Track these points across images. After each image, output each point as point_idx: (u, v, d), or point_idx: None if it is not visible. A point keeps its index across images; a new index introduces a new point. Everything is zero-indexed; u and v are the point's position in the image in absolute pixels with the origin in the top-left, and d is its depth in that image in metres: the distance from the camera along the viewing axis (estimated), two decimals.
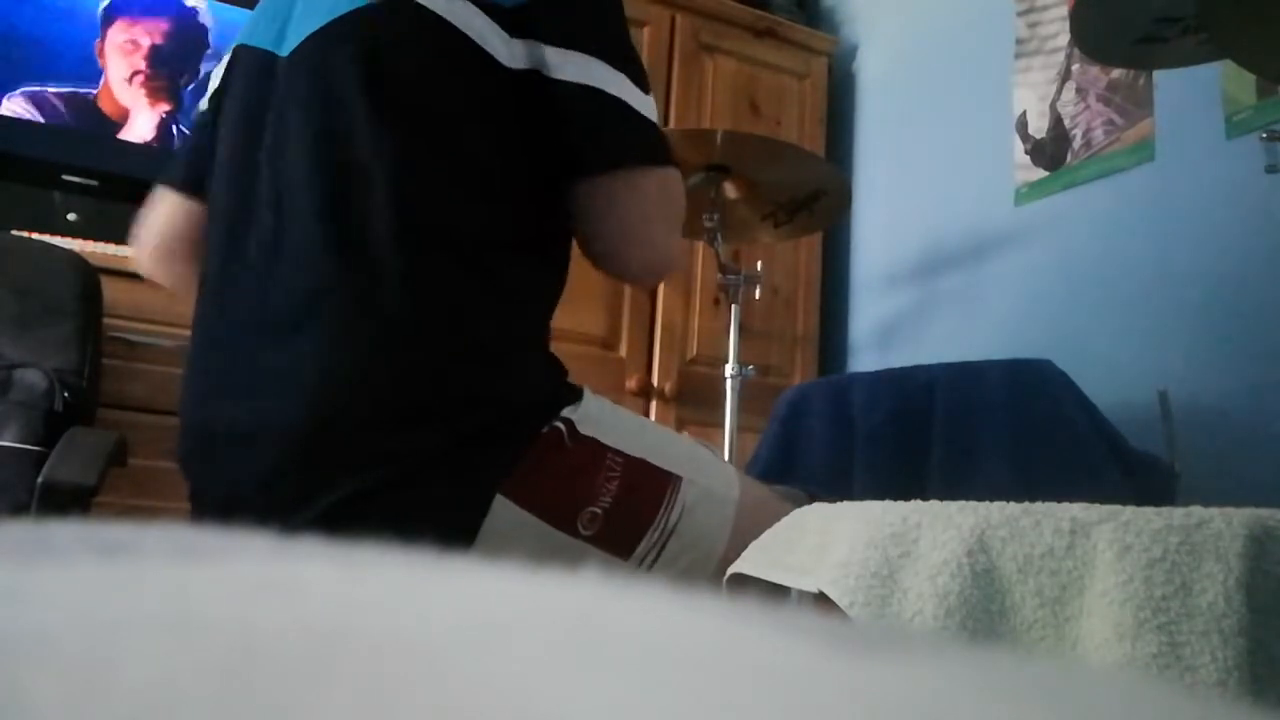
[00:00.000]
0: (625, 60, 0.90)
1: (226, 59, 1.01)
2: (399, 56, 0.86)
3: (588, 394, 0.91)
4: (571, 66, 0.87)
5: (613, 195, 0.90)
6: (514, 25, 0.87)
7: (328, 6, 0.90)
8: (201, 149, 1.03)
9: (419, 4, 0.86)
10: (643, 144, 0.91)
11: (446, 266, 0.84)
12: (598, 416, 0.90)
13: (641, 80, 0.91)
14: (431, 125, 0.86)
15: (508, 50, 0.87)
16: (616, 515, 0.86)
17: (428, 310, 0.83)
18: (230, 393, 0.86)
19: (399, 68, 0.86)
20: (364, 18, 0.87)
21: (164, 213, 1.05)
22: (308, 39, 0.90)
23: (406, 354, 0.82)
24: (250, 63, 0.96)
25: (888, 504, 0.60)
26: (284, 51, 0.93)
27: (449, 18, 0.85)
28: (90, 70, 2.04)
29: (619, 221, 0.91)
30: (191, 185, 1.03)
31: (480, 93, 0.87)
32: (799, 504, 0.78)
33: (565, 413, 0.88)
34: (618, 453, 0.88)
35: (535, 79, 0.87)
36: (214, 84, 1.03)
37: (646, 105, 0.90)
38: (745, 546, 0.72)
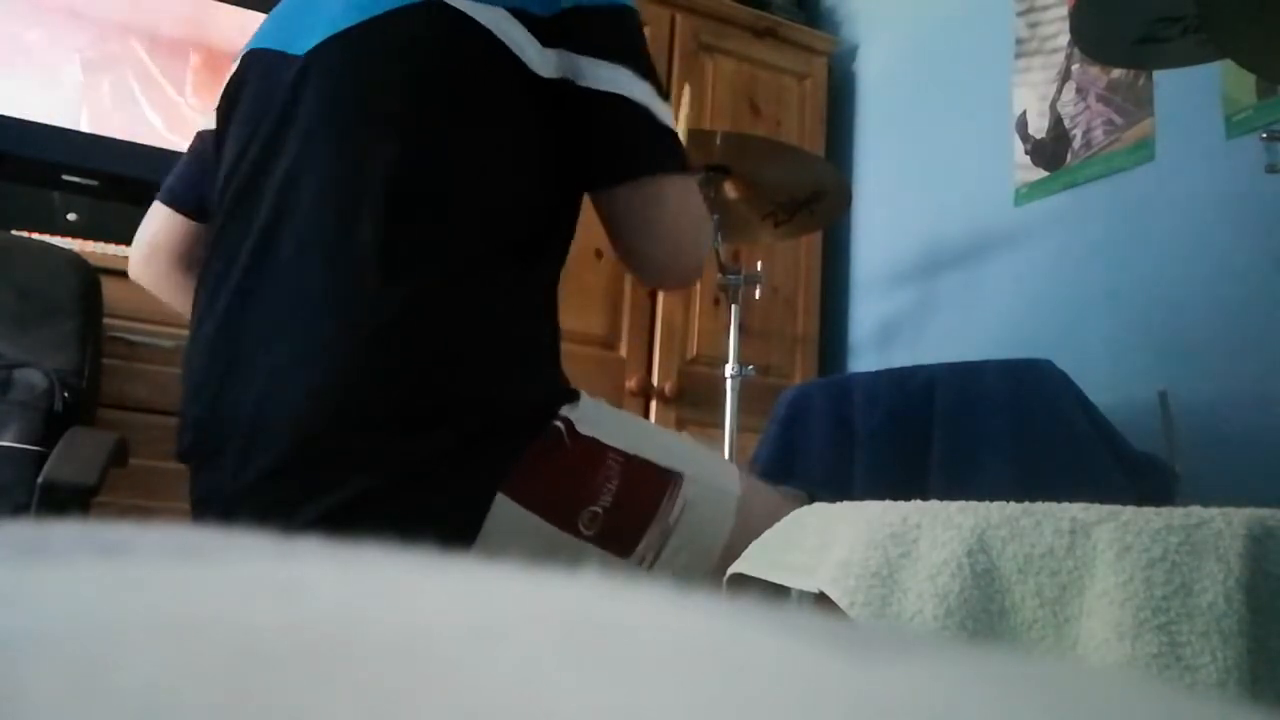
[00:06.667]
0: (649, 71, 0.92)
1: (237, 65, 1.02)
2: (437, 60, 0.88)
3: (585, 395, 0.92)
4: (604, 75, 0.89)
5: (641, 200, 0.92)
6: (548, 34, 0.89)
7: (355, 8, 0.90)
8: (195, 163, 1.08)
9: (456, 9, 0.87)
10: (671, 152, 0.93)
11: (450, 270, 0.84)
12: (596, 416, 0.90)
13: (663, 92, 0.94)
14: (458, 129, 0.87)
15: (541, 59, 0.88)
16: (617, 514, 0.86)
17: (429, 313, 0.83)
18: (232, 391, 0.86)
19: (436, 72, 0.87)
20: (399, 20, 0.88)
21: (153, 226, 1.11)
22: (331, 39, 0.91)
23: (407, 355, 0.82)
24: (264, 64, 0.97)
25: (888, 504, 0.60)
26: (299, 51, 0.93)
27: (486, 24, 0.87)
28: None
29: (647, 225, 0.93)
30: (178, 201, 1.09)
31: (507, 98, 0.89)
32: (799, 504, 0.78)
33: (564, 412, 0.88)
34: (618, 451, 0.88)
35: (565, 87, 0.89)
36: (222, 88, 1.03)
37: (668, 115, 0.93)
38: (746, 542, 0.72)
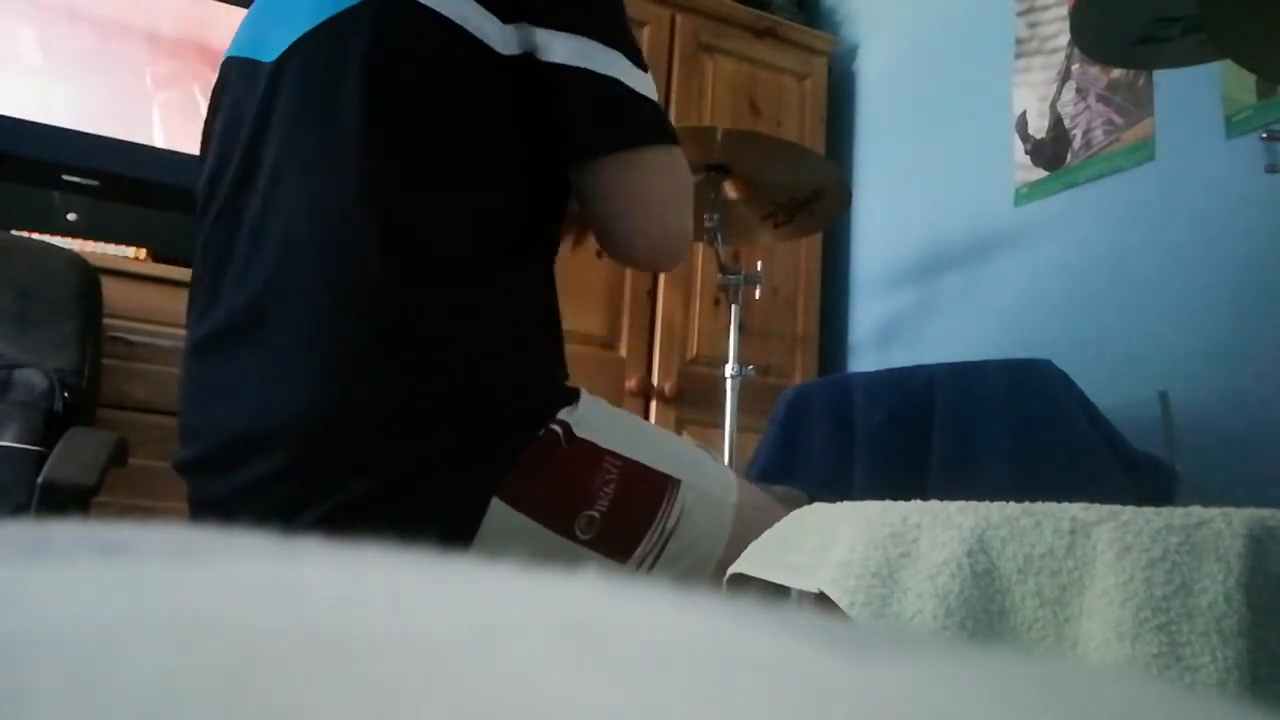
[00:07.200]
0: (619, 38, 0.88)
1: (219, 74, 1.01)
2: (397, 55, 0.86)
3: (584, 396, 0.91)
4: (562, 47, 0.85)
5: (613, 177, 0.89)
6: (507, 11, 0.86)
7: (315, 8, 0.89)
8: None
9: (412, 0, 0.85)
10: (640, 123, 0.89)
11: (441, 269, 0.84)
12: (595, 419, 0.89)
13: (637, 57, 0.89)
14: (430, 124, 0.86)
15: (502, 37, 0.85)
16: (614, 518, 0.86)
17: (423, 314, 0.83)
18: (230, 398, 0.86)
19: (398, 66, 0.86)
20: (357, 17, 0.87)
21: None
22: (297, 42, 0.89)
23: (401, 358, 0.82)
24: (238, 73, 0.96)
25: (888, 504, 0.60)
26: (269, 58, 0.92)
27: (444, 11, 0.85)
28: None
29: (621, 203, 0.90)
30: None
31: (479, 86, 0.86)
32: (799, 504, 0.78)
33: (562, 415, 0.87)
34: (615, 455, 0.88)
35: (528, 63, 0.86)
36: (209, 98, 1.03)
37: (643, 83, 0.89)
38: (743, 550, 0.71)
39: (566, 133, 0.88)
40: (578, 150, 0.89)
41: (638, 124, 0.89)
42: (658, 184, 0.91)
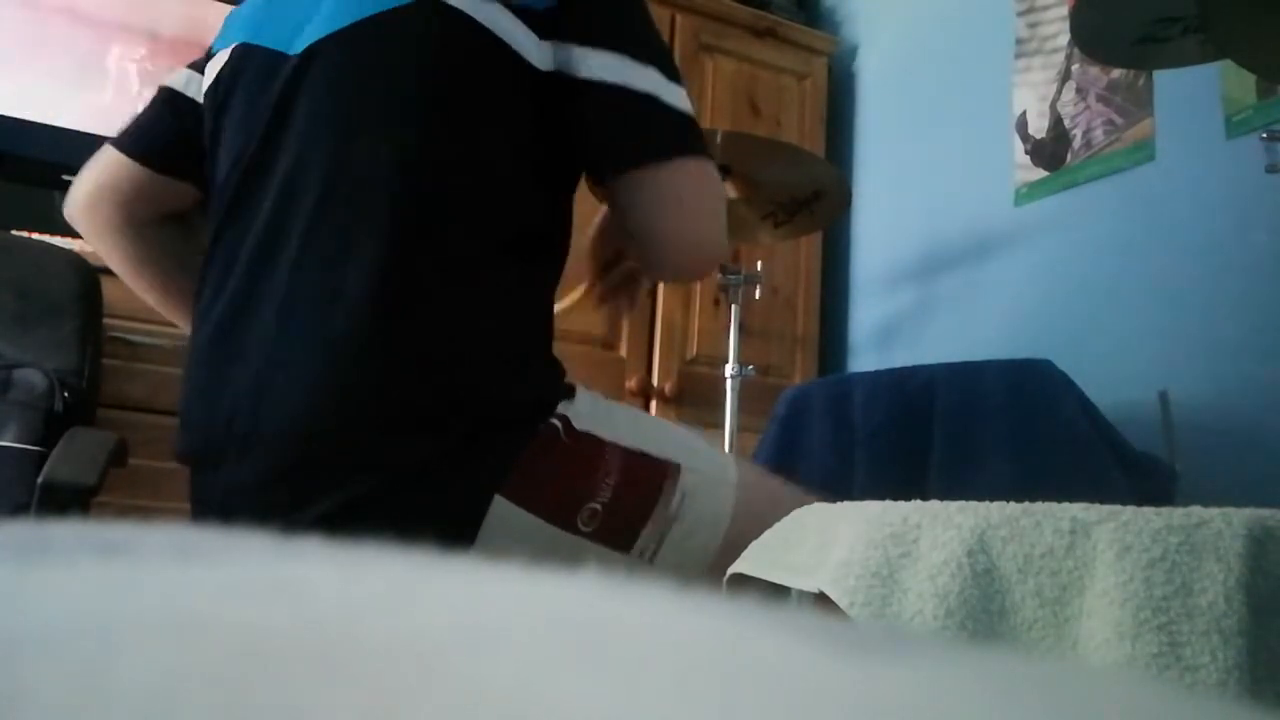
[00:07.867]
0: (653, 54, 0.90)
1: (227, 56, 1.00)
2: (438, 64, 0.87)
3: (580, 390, 0.92)
4: (598, 64, 0.87)
5: (650, 188, 0.90)
6: (544, 27, 0.87)
7: (351, 7, 0.90)
8: (155, 115, 1.08)
9: (451, 6, 0.86)
10: (676, 135, 0.90)
11: (445, 268, 0.85)
12: (592, 411, 0.90)
13: (671, 71, 0.90)
14: (451, 128, 0.87)
15: (538, 52, 0.87)
16: (616, 509, 0.87)
17: (424, 314, 0.83)
18: (232, 393, 0.86)
19: (437, 75, 0.87)
20: (395, 19, 0.87)
21: (102, 171, 1.09)
22: (328, 38, 0.90)
23: (401, 358, 0.82)
24: (258, 62, 0.96)
25: (888, 504, 0.60)
26: (294, 50, 0.92)
27: (482, 20, 0.86)
28: None
29: (660, 213, 0.90)
30: (134, 148, 1.07)
31: (507, 96, 0.88)
32: (799, 491, 0.78)
33: (560, 409, 0.88)
34: (615, 446, 0.88)
35: (562, 79, 0.87)
36: (209, 79, 1.02)
37: (678, 96, 0.90)
38: (747, 529, 0.72)
39: (600, 147, 0.89)
40: (615, 163, 0.90)
41: (673, 136, 0.90)
42: (694, 195, 0.91)
